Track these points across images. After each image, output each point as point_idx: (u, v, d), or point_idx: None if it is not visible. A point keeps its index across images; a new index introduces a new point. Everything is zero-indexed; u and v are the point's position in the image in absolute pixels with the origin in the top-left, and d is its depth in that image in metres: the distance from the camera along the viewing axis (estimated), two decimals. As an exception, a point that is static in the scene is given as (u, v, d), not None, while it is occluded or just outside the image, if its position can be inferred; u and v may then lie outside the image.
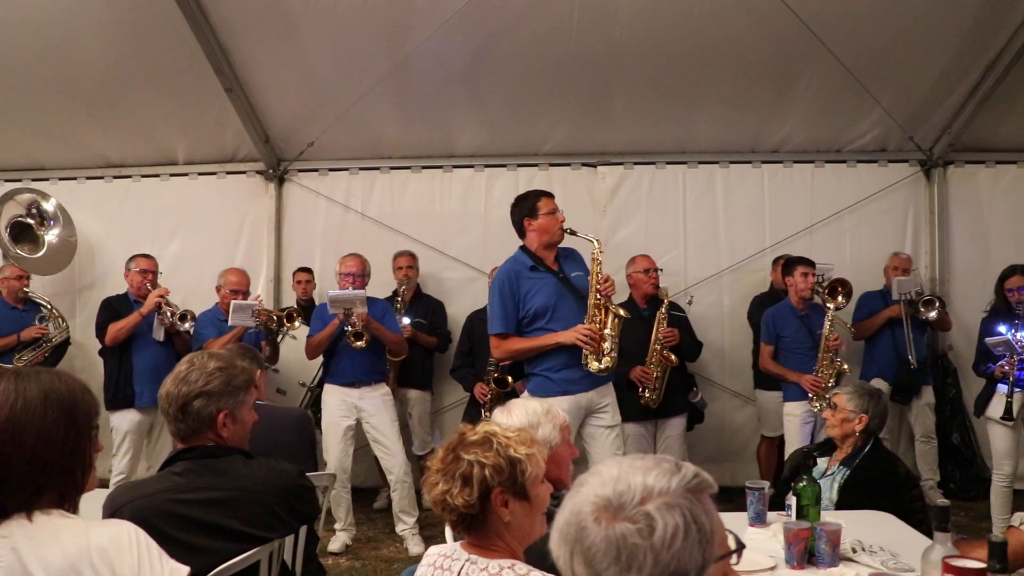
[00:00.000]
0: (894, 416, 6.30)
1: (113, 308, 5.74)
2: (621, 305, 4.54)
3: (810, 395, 5.52)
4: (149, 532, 1.78)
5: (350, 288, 5.46)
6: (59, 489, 1.73)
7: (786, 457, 5.65)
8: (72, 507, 1.75)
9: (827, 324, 5.52)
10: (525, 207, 4.57)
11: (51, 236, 6.63)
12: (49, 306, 6.37)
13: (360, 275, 5.59)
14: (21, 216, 6.54)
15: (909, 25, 5.59)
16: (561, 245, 4.62)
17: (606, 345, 4.36)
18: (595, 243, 4.48)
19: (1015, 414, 5.16)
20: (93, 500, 2.25)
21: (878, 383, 6.06)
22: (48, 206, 6.64)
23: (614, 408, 4.55)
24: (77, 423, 1.76)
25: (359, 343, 5.35)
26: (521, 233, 4.62)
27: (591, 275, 4.46)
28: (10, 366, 5.73)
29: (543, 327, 4.44)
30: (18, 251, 6.44)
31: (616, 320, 4.39)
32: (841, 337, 5.58)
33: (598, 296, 4.41)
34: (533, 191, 4.69)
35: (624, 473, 1.27)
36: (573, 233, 4.54)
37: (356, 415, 5.52)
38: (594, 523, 1.23)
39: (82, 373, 6.35)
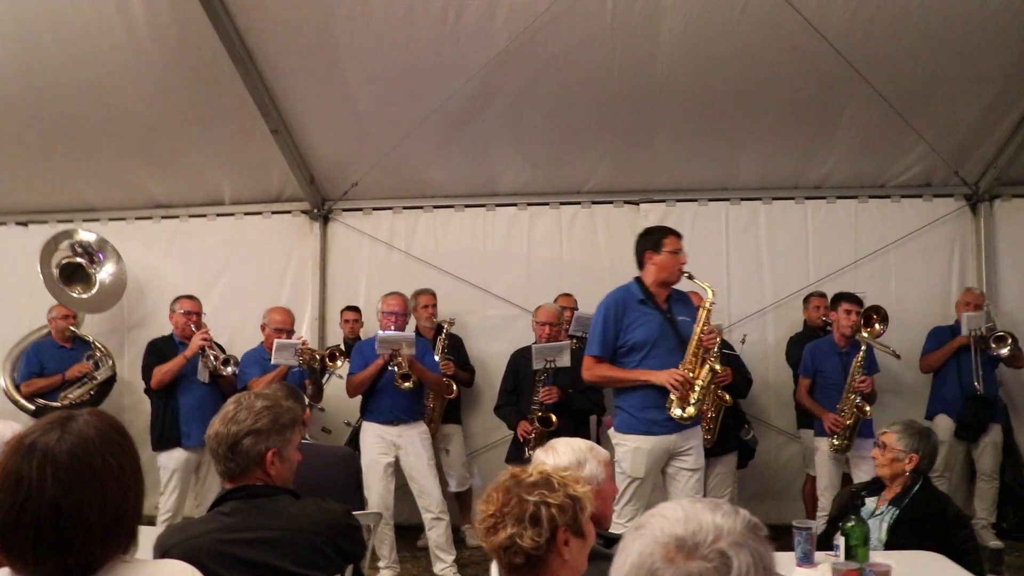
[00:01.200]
0: (957, 453, 6.18)
1: (159, 351, 5.81)
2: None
3: (830, 433, 5.53)
4: (200, 572, 1.79)
5: (392, 327, 5.52)
6: (129, 533, 1.69)
7: (819, 492, 5.61)
8: (130, 546, 1.74)
9: (854, 364, 5.51)
10: (650, 240, 4.55)
11: (104, 274, 6.72)
12: (96, 343, 6.49)
13: (403, 314, 5.65)
14: (69, 257, 6.63)
15: (952, 59, 5.55)
16: (675, 287, 4.59)
17: (693, 395, 4.33)
18: (709, 292, 4.46)
19: None
20: (141, 538, 2.28)
21: (943, 420, 6.02)
22: (87, 237, 6.71)
23: (698, 452, 4.50)
24: (136, 461, 1.76)
25: (407, 384, 5.40)
26: (640, 264, 4.59)
27: (697, 323, 4.42)
28: (56, 403, 5.92)
29: (638, 361, 4.43)
30: (69, 292, 6.55)
31: (710, 373, 4.36)
32: (870, 380, 5.51)
33: (699, 346, 4.38)
34: (663, 227, 4.69)
35: (691, 513, 1.26)
36: (691, 278, 4.51)
37: (394, 452, 5.54)
38: (667, 563, 1.22)
39: (131, 411, 6.52)
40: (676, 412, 4.31)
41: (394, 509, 5.60)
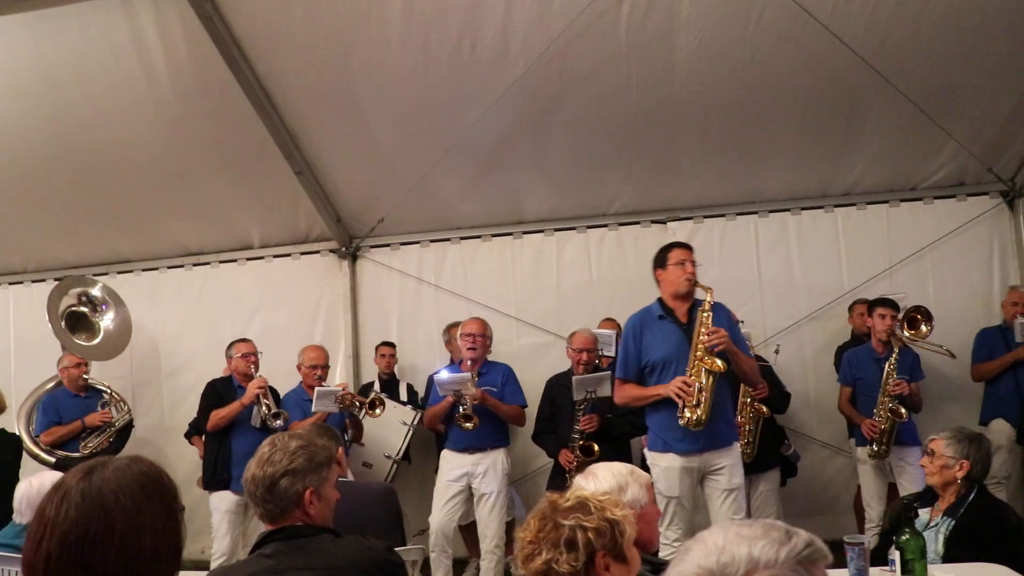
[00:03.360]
0: (1016, 459, 6.00)
1: (217, 392, 5.87)
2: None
3: (868, 439, 5.44)
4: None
5: (470, 352, 5.61)
6: None
7: (864, 503, 5.58)
8: None
9: (887, 367, 5.41)
10: (658, 259, 4.66)
11: (106, 321, 6.82)
12: (109, 391, 6.52)
13: (481, 335, 5.69)
14: (73, 306, 6.75)
15: (976, 54, 5.45)
16: (716, 301, 4.57)
17: (696, 397, 4.27)
18: (707, 293, 4.45)
19: None
20: (187, 585, 2.26)
21: (1000, 424, 5.86)
22: (95, 292, 6.85)
23: (732, 470, 4.42)
24: (174, 509, 1.75)
25: (467, 424, 5.42)
26: (658, 284, 4.67)
27: (697, 327, 4.38)
28: (77, 454, 5.91)
29: (660, 378, 4.44)
30: (75, 340, 6.63)
31: (708, 376, 4.28)
32: (904, 382, 5.39)
33: (701, 349, 4.33)
34: (670, 243, 4.75)
35: (729, 543, 1.21)
36: (696, 285, 4.51)
37: (467, 480, 5.59)
38: None
39: (174, 458, 6.53)
40: (685, 416, 4.27)
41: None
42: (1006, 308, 6.13)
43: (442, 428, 5.83)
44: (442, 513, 5.54)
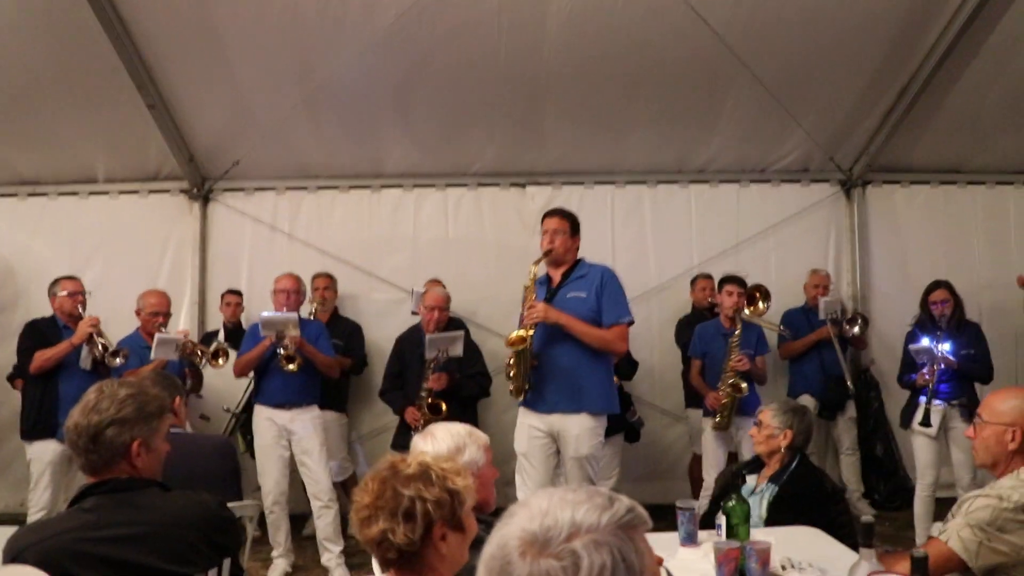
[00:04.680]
0: (820, 431, 6.43)
1: (40, 333, 5.39)
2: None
3: (711, 411, 5.69)
4: None
5: (283, 308, 5.37)
6: None
7: (703, 470, 5.77)
8: None
9: (730, 343, 5.65)
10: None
11: None
12: None
13: (295, 292, 5.48)
14: None
15: (829, 50, 5.74)
16: (596, 264, 4.59)
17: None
18: (531, 271, 4.47)
19: (934, 423, 5.35)
20: (-1, 540, 2.13)
21: (805, 399, 6.22)
22: None
23: (580, 439, 4.36)
24: None
25: (291, 366, 5.24)
26: None
27: (524, 301, 4.41)
28: None
29: None
30: None
31: (513, 346, 4.37)
32: (746, 358, 5.61)
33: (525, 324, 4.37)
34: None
35: (553, 507, 1.22)
36: (550, 254, 4.47)
37: (287, 437, 5.39)
38: (520, 558, 1.18)
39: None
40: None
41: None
42: (807, 290, 6.53)
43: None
44: (275, 471, 5.35)
